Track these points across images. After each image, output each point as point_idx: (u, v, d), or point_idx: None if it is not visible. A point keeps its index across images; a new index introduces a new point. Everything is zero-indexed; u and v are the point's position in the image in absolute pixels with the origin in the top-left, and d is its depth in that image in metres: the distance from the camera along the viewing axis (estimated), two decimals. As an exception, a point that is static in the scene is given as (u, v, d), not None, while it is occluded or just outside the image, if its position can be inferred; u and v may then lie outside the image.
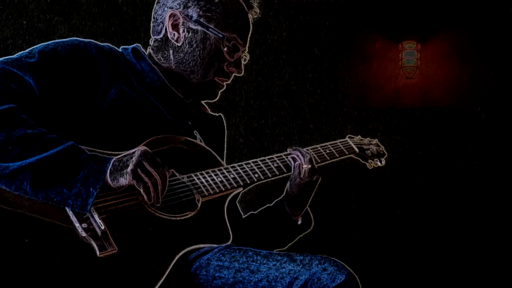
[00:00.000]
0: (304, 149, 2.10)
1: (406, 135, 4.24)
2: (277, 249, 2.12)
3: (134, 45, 2.03)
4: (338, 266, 1.53)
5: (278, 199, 2.12)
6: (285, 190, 2.09)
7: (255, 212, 2.15)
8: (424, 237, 4.19)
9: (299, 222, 2.11)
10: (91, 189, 1.58)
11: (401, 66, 4.28)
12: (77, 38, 1.89)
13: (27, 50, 1.80)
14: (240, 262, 1.61)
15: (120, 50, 1.99)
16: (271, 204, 2.14)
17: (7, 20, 3.82)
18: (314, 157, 2.09)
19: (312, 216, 2.18)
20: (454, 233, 4.19)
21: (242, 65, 2.03)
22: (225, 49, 1.95)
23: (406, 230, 4.20)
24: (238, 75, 2.04)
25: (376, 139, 2.41)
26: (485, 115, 4.22)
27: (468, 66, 4.25)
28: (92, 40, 1.92)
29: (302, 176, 2.03)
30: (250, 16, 2.05)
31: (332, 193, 4.17)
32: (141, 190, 1.62)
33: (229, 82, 2.06)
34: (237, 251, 1.67)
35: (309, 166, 2.02)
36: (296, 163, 2.04)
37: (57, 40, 1.86)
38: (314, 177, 2.04)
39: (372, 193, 4.21)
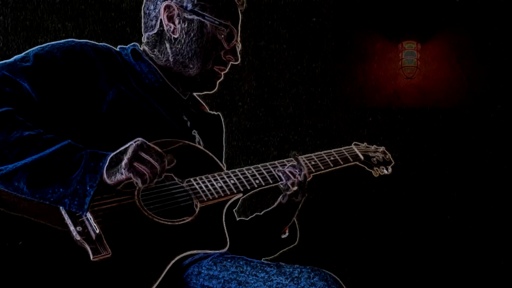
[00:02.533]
0: (302, 161, 2.05)
1: (406, 135, 4.23)
2: (265, 258, 2.10)
3: (133, 45, 2.02)
4: (328, 282, 1.50)
5: (267, 209, 2.10)
6: (277, 202, 2.07)
7: (246, 219, 2.14)
8: (422, 241, 4.18)
9: (285, 236, 2.09)
10: (88, 188, 1.57)
11: (401, 66, 4.27)
12: (73, 40, 1.88)
13: (22, 54, 1.79)
14: (229, 272, 1.61)
15: (117, 49, 1.99)
16: (260, 214, 2.12)
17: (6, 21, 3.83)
18: (309, 168, 2.06)
19: (298, 231, 2.15)
20: (453, 236, 4.18)
21: (238, 53, 2.02)
22: (222, 36, 1.96)
23: (405, 234, 4.19)
24: (234, 63, 2.03)
25: (383, 147, 2.38)
26: (485, 115, 4.21)
27: (468, 66, 4.24)
28: (88, 41, 1.91)
29: (288, 193, 2.01)
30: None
31: (326, 201, 4.17)
32: (138, 183, 1.60)
33: (226, 70, 2.06)
34: (229, 260, 1.66)
35: (296, 188, 1.99)
36: (289, 181, 2.00)
37: (52, 43, 1.85)
38: (298, 197, 2.03)
39: (370, 195, 4.20)
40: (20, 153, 1.58)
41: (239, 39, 2.05)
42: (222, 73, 2.05)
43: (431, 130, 4.26)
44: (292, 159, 2.04)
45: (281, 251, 2.13)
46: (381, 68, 4.30)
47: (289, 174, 2.00)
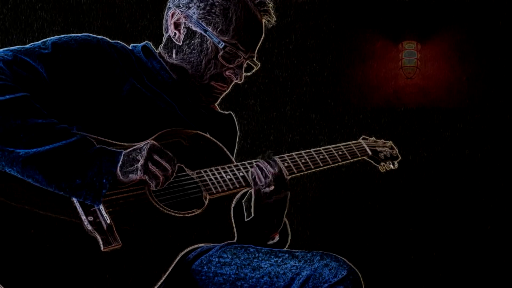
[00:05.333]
0: (278, 157, 1.96)
1: (406, 135, 4.24)
2: None
3: (144, 42, 2.02)
4: (340, 262, 1.52)
5: (250, 218, 1.99)
6: (252, 211, 1.94)
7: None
8: (423, 234, 4.20)
9: (275, 240, 1.98)
10: (104, 181, 1.57)
11: (401, 66, 4.28)
12: (90, 34, 1.87)
13: (40, 42, 1.79)
14: (242, 258, 1.61)
15: (130, 48, 1.98)
16: (247, 220, 2.02)
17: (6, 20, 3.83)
18: (283, 170, 1.92)
19: (289, 231, 2.03)
20: (452, 230, 4.19)
21: (242, 73, 1.96)
22: (221, 54, 1.90)
23: (406, 227, 4.20)
24: (237, 82, 1.97)
25: (390, 141, 2.35)
26: (484, 115, 4.22)
27: (468, 66, 4.25)
28: (104, 37, 1.90)
29: (262, 199, 1.88)
30: (264, 21, 1.99)
31: (334, 190, 4.18)
32: (152, 185, 1.62)
33: (229, 87, 2.00)
34: (239, 248, 1.66)
35: (271, 188, 1.87)
36: (255, 184, 1.88)
37: (70, 35, 1.84)
38: (274, 197, 1.88)
39: (373, 191, 4.21)
40: (34, 139, 1.57)
41: (255, 56, 1.97)
42: (225, 89, 2.00)
43: (431, 130, 4.27)
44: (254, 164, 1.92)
45: None
46: (381, 68, 4.32)
47: (256, 178, 1.88)
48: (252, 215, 1.94)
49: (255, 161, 1.91)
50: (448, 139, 4.25)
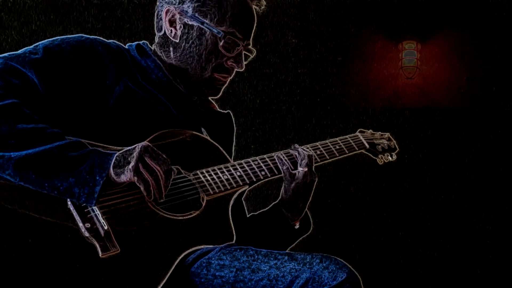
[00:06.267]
0: (304, 147, 2.04)
1: (406, 135, 4.23)
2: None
3: (140, 41, 2.01)
4: (339, 265, 1.52)
5: (275, 202, 2.06)
6: (281, 193, 2.02)
7: (255, 214, 2.11)
8: (423, 236, 4.19)
9: (297, 226, 2.05)
10: (98, 178, 1.56)
11: (401, 66, 4.28)
12: (83, 35, 1.86)
13: (32, 46, 1.77)
14: (241, 261, 1.60)
15: (126, 47, 1.97)
16: (268, 207, 2.08)
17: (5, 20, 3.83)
18: (314, 156, 2.03)
19: (311, 219, 2.11)
20: (452, 231, 4.19)
21: (243, 60, 1.97)
22: (221, 44, 1.90)
23: (406, 228, 4.20)
24: (238, 70, 1.97)
25: (388, 133, 2.35)
26: (484, 115, 4.22)
27: (468, 66, 4.25)
28: (98, 37, 1.89)
29: (295, 179, 1.98)
30: (255, 7, 1.99)
31: (333, 192, 4.17)
32: (142, 187, 1.60)
33: (231, 77, 2.00)
34: (238, 250, 1.65)
35: (305, 169, 1.96)
36: (285, 167, 1.97)
37: (62, 36, 1.83)
38: (308, 178, 1.98)
39: (372, 192, 4.21)
40: (25, 143, 1.57)
41: (250, 43, 1.98)
42: (227, 79, 2.00)
43: (431, 130, 4.26)
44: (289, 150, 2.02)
45: (294, 243, 2.08)
46: (381, 68, 4.32)
47: (299, 156, 1.98)
48: (281, 197, 2.01)
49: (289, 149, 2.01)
50: (448, 139, 4.25)
